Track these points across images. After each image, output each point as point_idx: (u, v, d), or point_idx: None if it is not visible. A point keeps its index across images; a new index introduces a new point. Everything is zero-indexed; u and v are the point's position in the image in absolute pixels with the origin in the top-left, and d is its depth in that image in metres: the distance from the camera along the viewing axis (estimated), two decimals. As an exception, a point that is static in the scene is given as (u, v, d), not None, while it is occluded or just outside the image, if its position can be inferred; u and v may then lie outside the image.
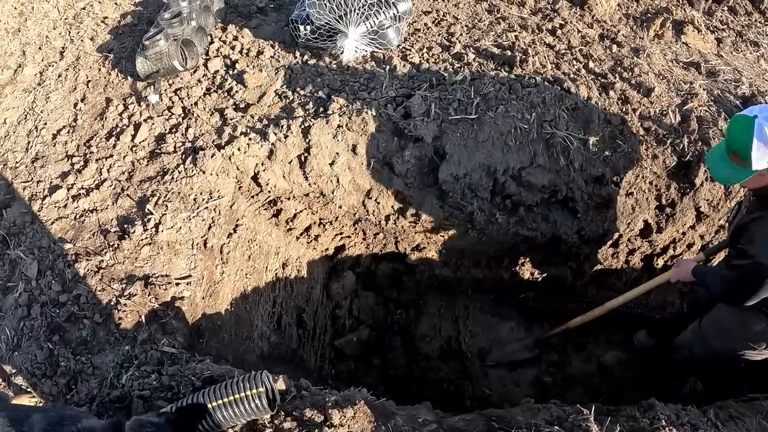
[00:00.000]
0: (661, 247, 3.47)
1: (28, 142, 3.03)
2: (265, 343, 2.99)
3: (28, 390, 2.11)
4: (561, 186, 2.98)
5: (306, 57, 3.41)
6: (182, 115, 3.07)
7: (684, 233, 3.38)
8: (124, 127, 3.02)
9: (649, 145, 2.95)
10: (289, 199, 3.13)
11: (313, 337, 3.57)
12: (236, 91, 3.18)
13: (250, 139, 2.88)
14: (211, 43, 3.52)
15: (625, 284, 3.66)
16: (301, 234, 3.46)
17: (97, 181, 2.77)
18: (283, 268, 3.37)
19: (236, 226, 2.86)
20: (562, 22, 3.77)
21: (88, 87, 3.30)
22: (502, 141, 2.91)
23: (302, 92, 3.13)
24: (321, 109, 3.02)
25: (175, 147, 2.90)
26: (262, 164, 2.90)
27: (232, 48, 3.47)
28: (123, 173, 2.80)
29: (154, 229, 2.54)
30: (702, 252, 3.01)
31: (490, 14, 3.89)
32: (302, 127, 2.92)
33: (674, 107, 3.04)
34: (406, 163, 2.99)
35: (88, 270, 2.39)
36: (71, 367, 2.12)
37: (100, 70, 3.41)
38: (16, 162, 2.94)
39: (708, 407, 2.15)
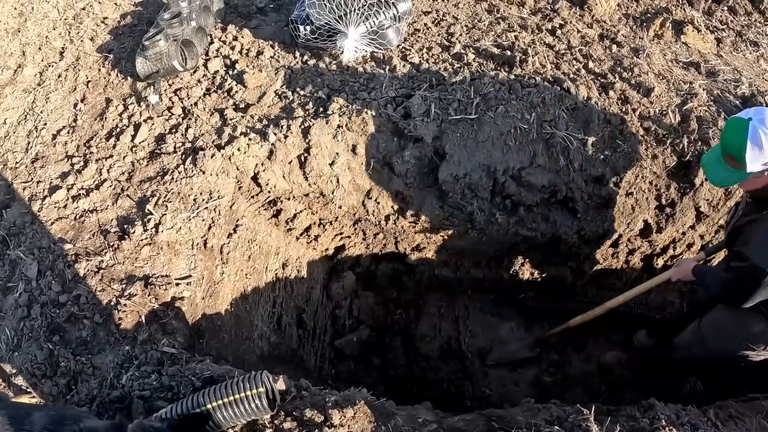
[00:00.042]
0: (661, 247, 3.47)
1: (28, 143, 3.03)
2: (265, 343, 2.99)
3: (28, 390, 2.11)
4: (561, 186, 2.98)
5: (306, 57, 3.41)
6: (182, 115, 3.07)
7: (684, 233, 3.38)
8: (124, 127, 3.02)
9: (649, 145, 2.95)
10: (289, 199, 3.13)
11: (313, 338, 3.57)
12: (236, 92, 3.18)
13: (250, 139, 2.88)
14: (211, 43, 3.52)
15: (625, 284, 3.66)
16: (301, 234, 3.46)
17: (97, 182, 2.77)
18: (283, 269, 3.37)
19: (236, 226, 2.86)
20: (562, 22, 3.77)
21: (87, 87, 3.31)
22: (502, 141, 2.91)
23: (302, 92, 3.13)
24: (321, 109, 3.02)
25: (175, 147, 2.90)
26: (262, 164, 2.90)
27: (232, 48, 3.47)
28: (123, 173, 2.80)
29: (154, 230, 2.54)
30: (702, 251, 3.01)
31: (490, 14, 3.89)
32: (302, 127, 2.92)
33: (674, 107, 3.04)
34: (406, 163, 2.99)
35: (88, 270, 2.39)
36: (71, 368, 2.12)
37: (99, 70, 3.41)
38: (16, 162, 2.94)
39: (708, 407, 2.15)
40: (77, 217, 2.62)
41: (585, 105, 2.97)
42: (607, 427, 1.86)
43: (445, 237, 3.41)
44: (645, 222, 3.26)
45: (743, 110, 2.16)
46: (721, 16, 4.13)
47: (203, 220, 2.64)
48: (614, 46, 3.57)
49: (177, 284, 2.40)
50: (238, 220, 2.89)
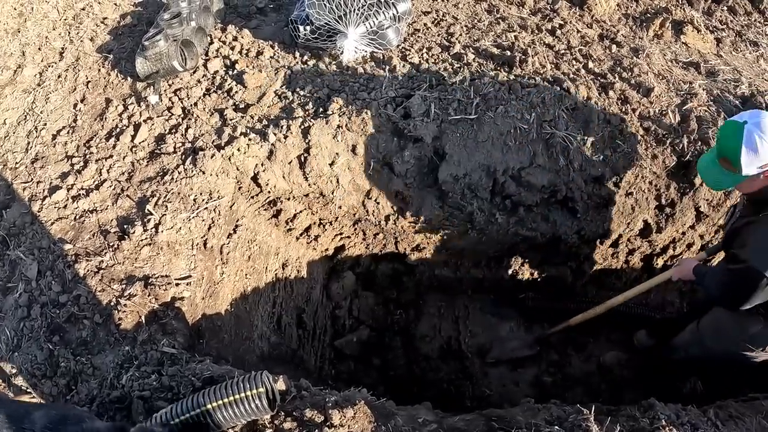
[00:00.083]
0: (661, 246, 3.47)
1: (28, 143, 3.03)
2: (265, 343, 2.99)
3: (28, 390, 2.11)
4: (561, 186, 2.98)
5: (306, 57, 3.41)
6: (182, 115, 3.07)
7: (684, 233, 3.38)
8: (124, 127, 3.02)
9: (649, 145, 2.95)
10: (288, 199, 3.13)
11: (313, 338, 3.57)
12: (236, 92, 3.18)
13: (249, 139, 2.88)
14: (211, 43, 3.52)
15: (625, 284, 3.66)
16: (300, 234, 3.46)
17: (96, 182, 2.77)
18: (283, 269, 3.37)
19: (236, 226, 2.86)
20: (562, 23, 3.77)
21: (87, 87, 3.31)
22: (502, 141, 2.91)
23: (302, 92, 3.13)
24: (321, 109, 3.02)
25: (174, 147, 2.90)
26: (262, 165, 2.90)
27: (232, 48, 3.47)
28: (123, 174, 2.80)
29: (153, 230, 2.54)
30: (704, 251, 3.01)
31: (490, 14, 3.89)
32: (302, 127, 2.92)
33: (674, 107, 3.04)
34: (405, 163, 2.99)
35: (88, 270, 2.39)
36: (71, 368, 2.12)
37: (99, 70, 3.41)
38: (16, 162, 2.94)
39: (708, 407, 2.15)
40: (77, 217, 2.62)
41: (585, 105, 2.97)
42: (607, 427, 1.86)
43: (445, 237, 3.41)
44: (645, 222, 3.26)
45: (739, 113, 2.17)
46: (720, 16, 4.13)
47: (203, 220, 2.64)
48: (614, 46, 3.57)
49: (177, 284, 2.40)
50: (238, 221, 2.89)
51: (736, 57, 3.74)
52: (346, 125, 2.95)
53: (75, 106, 3.20)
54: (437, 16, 3.85)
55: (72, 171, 2.83)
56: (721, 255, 2.96)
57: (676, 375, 3.22)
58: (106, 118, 3.09)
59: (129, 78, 3.31)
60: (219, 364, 2.18)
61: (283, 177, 2.97)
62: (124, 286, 2.34)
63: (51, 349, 2.18)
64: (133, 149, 2.92)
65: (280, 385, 1.88)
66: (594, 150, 2.93)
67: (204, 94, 3.18)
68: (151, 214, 2.59)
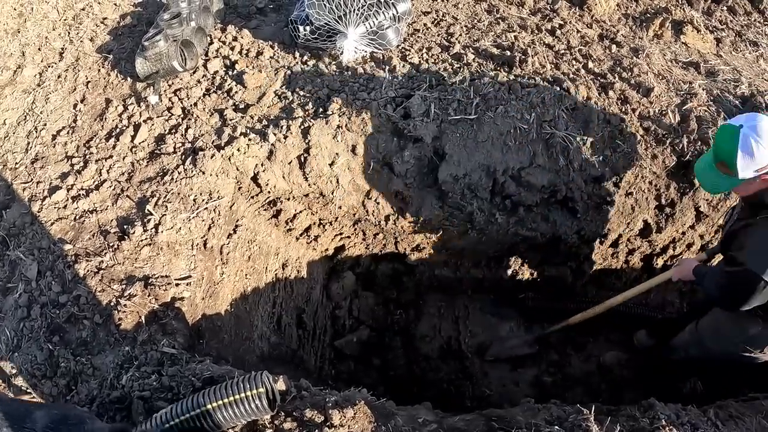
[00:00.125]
0: (661, 246, 3.47)
1: (28, 143, 3.03)
2: (265, 343, 2.99)
3: (28, 391, 2.11)
4: (561, 186, 2.98)
5: (305, 57, 3.41)
6: (182, 115, 3.07)
7: (683, 233, 3.38)
8: (124, 127, 3.02)
9: (649, 145, 2.95)
10: (288, 199, 3.13)
11: (313, 338, 3.57)
12: (236, 92, 3.18)
13: (249, 139, 2.88)
14: (211, 43, 3.52)
15: (625, 284, 3.66)
16: (300, 234, 3.46)
17: (96, 182, 2.77)
18: (283, 269, 3.37)
19: (236, 226, 2.86)
20: (562, 23, 3.77)
21: (87, 88, 3.31)
22: (502, 141, 2.91)
23: (302, 93, 3.13)
24: (320, 109, 3.02)
25: (174, 148, 2.90)
26: (262, 165, 2.90)
27: (232, 49, 3.47)
28: (123, 174, 2.80)
29: (153, 230, 2.54)
30: (704, 252, 3.01)
31: (490, 14, 3.89)
32: (302, 127, 2.92)
33: (673, 107, 3.04)
34: (405, 163, 2.99)
35: (87, 271, 2.39)
36: (71, 368, 2.12)
37: (99, 71, 3.41)
38: (16, 163, 2.94)
39: (708, 407, 2.15)
40: (77, 217, 2.62)
41: (584, 105, 2.97)
42: (607, 427, 1.86)
43: (445, 237, 3.41)
44: (645, 222, 3.26)
45: (735, 117, 2.17)
46: (720, 16, 4.14)
47: (203, 220, 2.64)
48: (614, 46, 3.57)
49: (177, 285, 2.40)
50: (237, 221, 2.89)
51: (736, 57, 3.74)
52: (346, 125, 2.95)
53: (75, 106, 3.20)
54: (437, 16, 3.85)
55: (72, 171, 2.83)
56: (720, 256, 2.96)
57: (676, 375, 3.22)
58: (105, 119, 3.09)
59: (129, 78, 3.31)
60: (219, 364, 2.18)
61: (283, 177, 2.97)
62: (124, 286, 2.34)
63: (51, 349, 2.18)
64: (133, 149, 2.92)
65: (280, 385, 1.88)
66: (594, 150, 2.93)
67: (204, 95, 3.18)
68: (151, 214, 2.59)
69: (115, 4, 3.98)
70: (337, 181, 3.02)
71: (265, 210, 3.17)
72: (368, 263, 3.91)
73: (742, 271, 2.13)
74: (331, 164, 2.98)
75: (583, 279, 3.64)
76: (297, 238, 3.49)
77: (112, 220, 2.60)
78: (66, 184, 2.76)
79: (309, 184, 3.00)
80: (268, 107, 3.09)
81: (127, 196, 2.70)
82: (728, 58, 3.67)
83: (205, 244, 2.60)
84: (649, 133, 2.96)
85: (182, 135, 2.96)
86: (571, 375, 3.54)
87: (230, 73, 3.31)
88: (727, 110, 3.04)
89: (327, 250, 3.72)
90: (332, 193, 3.05)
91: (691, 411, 2.04)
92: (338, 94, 3.09)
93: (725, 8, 4.21)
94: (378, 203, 3.16)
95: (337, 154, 2.97)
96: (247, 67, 3.33)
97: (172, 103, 3.12)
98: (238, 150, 2.84)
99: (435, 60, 3.31)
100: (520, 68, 3.17)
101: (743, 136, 2.01)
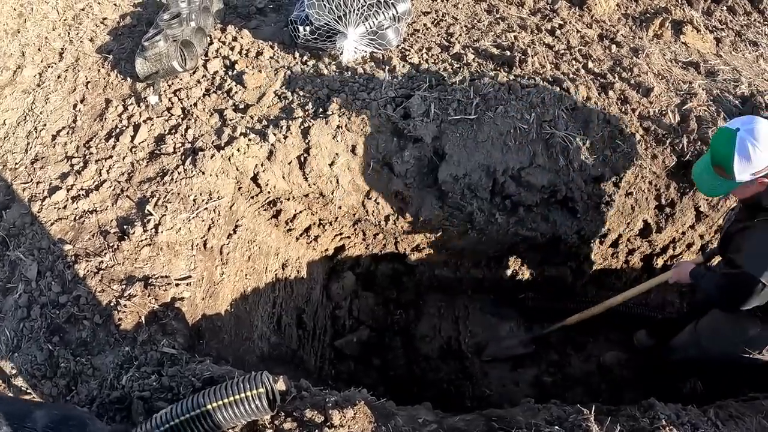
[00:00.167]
0: (661, 246, 3.47)
1: (28, 144, 3.03)
2: (265, 343, 2.99)
3: (28, 391, 2.11)
4: (560, 186, 2.98)
5: (305, 58, 3.41)
6: (181, 115, 3.07)
7: (683, 233, 3.38)
8: (124, 128, 3.02)
9: (649, 145, 2.95)
10: (288, 199, 3.13)
11: (313, 338, 3.57)
12: (236, 92, 3.18)
13: (249, 139, 2.88)
14: (211, 43, 3.52)
15: (624, 284, 3.66)
16: (300, 234, 3.46)
17: (96, 182, 2.77)
18: (283, 269, 3.37)
19: (236, 226, 2.86)
20: (561, 23, 3.77)
21: (87, 88, 3.30)
22: (502, 141, 2.91)
23: (301, 93, 3.13)
24: (320, 109, 3.02)
25: (174, 148, 2.90)
26: (262, 165, 2.90)
27: (232, 49, 3.47)
28: (122, 174, 2.80)
29: (153, 230, 2.54)
30: (702, 254, 3.02)
31: (489, 14, 3.89)
32: (302, 127, 2.92)
33: (673, 107, 3.04)
34: (405, 163, 2.99)
35: (87, 271, 2.39)
36: (71, 368, 2.12)
37: (99, 71, 3.41)
38: (16, 163, 2.94)
39: (708, 407, 2.15)
40: (77, 217, 2.62)
41: (584, 105, 2.97)
42: (607, 427, 1.86)
43: (445, 237, 3.41)
44: (645, 222, 3.26)
45: (732, 120, 2.17)
46: (720, 15, 4.14)
47: (203, 220, 2.64)
48: (613, 46, 3.57)
49: (177, 285, 2.40)
50: (237, 221, 2.89)
51: (736, 57, 3.74)
52: (346, 125, 2.95)
53: (75, 106, 3.20)
54: (437, 16, 3.85)
55: (72, 171, 2.83)
56: (719, 257, 2.96)
57: (676, 375, 3.22)
58: (105, 119, 3.09)
59: (129, 78, 3.31)
60: (219, 364, 2.18)
61: (283, 177, 2.96)
62: (123, 286, 2.34)
63: (51, 349, 2.18)
64: (133, 150, 2.92)
65: (280, 385, 1.88)
66: (594, 150, 2.93)
67: (204, 95, 3.18)
68: (151, 214, 2.59)
69: (115, 5, 3.98)
70: (337, 181, 3.02)
71: (265, 210, 3.17)
72: (368, 263, 3.91)
73: (739, 273, 2.15)
74: (331, 164, 2.98)
75: (583, 279, 3.64)
76: (297, 239, 3.49)
77: (111, 221, 2.60)
78: (66, 185, 2.76)
79: (309, 185, 3.00)
80: (268, 107, 3.09)
81: (127, 196, 2.70)
82: (728, 58, 3.67)
83: (205, 245, 2.60)
84: (649, 133, 2.96)
85: (182, 135, 2.96)
86: (571, 375, 3.54)
87: (230, 73, 3.31)
88: (727, 110, 3.04)
89: (327, 250, 3.72)
90: (332, 194, 3.05)
91: (691, 411, 2.04)
92: (338, 94, 3.09)
93: (725, 8, 4.21)
94: (378, 203, 3.16)
95: (337, 154, 2.97)
96: (246, 67, 3.33)
97: (172, 104, 3.12)
98: (238, 150, 2.84)
99: (435, 60, 3.31)
100: (520, 68, 3.17)
101: (740, 140, 2.01)
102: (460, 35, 3.58)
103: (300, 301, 3.53)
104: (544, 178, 2.95)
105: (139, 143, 2.94)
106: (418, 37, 3.59)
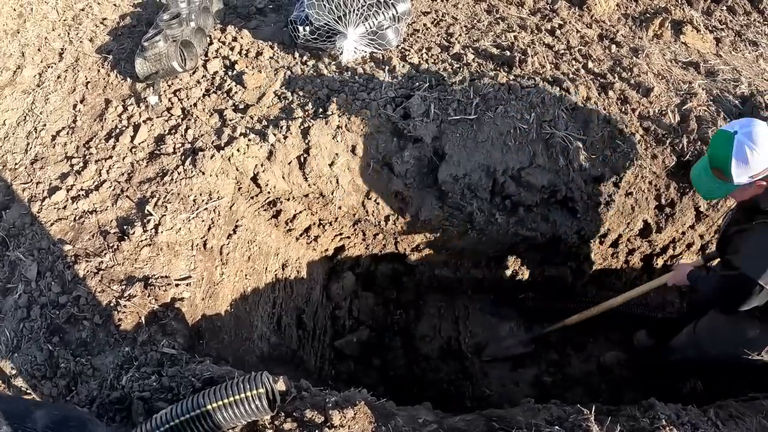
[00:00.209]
0: (661, 246, 3.47)
1: (28, 144, 3.03)
2: (264, 344, 2.99)
3: (28, 391, 2.10)
4: (560, 186, 2.98)
5: (305, 58, 3.41)
6: (181, 116, 3.07)
7: (683, 233, 3.38)
8: (124, 128, 3.02)
9: (649, 145, 2.95)
10: (288, 199, 3.13)
11: (312, 338, 3.57)
12: (235, 92, 3.18)
13: (249, 140, 2.88)
14: (210, 44, 3.52)
15: (624, 284, 3.66)
16: (300, 235, 3.46)
17: (96, 183, 2.77)
18: (283, 269, 3.37)
19: (236, 227, 2.86)
20: (561, 23, 3.77)
21: (87, 88, 3.30)
22: (502, 141, 2.91)
23: (301, 93, 3.13)
24: (320, 109, 3.02)
25: (174, 148, 2.90)
26: (262, 165, 2.90)
27: (231, 49, 3.47)
28: (122, 174, 2.80)
29: (153, 230, 2.54)
30: (701, 256, 3.02)
31: (489, 14, 3.89)
32: (302, 127, 2.92)
33: (673, 107, 3.04)
34: (405, 163, 2.99)
35: (87, 271, 2.39)
36: (71, 369, 2.12)
37: (99, 71, 3.41)
38: (16, 163, 2.94)
39: (708, 407, 2.15)
40: (77, 218, 2.62)
41: (584, 105, 2.97)
42: (607, 427, 1.86)
43: (445, 237, 3.41)
44: (645, 222, 3.26)
45: (730, 122, 2.17)
46: (720, 15, 4.14)
47: (203, 220, 2.64)
48: (613, 46, 3.57)
49: (177, 285, 2.40)
50: (237, 221, 2.89)
51: (736, 57, 3.74)
52: (346, 125, 2.95)
53: (74, 106, 3.20)
54: (437, 16, 3.85)
55: (71, 172, 2.83)
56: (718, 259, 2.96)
57: (675, 376, 3.22)
58: (105, 119, 3.09)
59: (128, 79, 3.31)
60: (219, 364, 2.18)
61: (283, 177, 2.96)
62: (123, 286, 2.34)
63: (51, 350, 2.18)
64: (133, 150, 2.91)
65: (280, 385, 1.88)
66: (594, 150, 2.93)
67: (203, 95, 3.18)
68: (151, 214, 2.59)
69: (115, 5, 3.98)
70: (337, 182, 3.02)
71: (264, 210, 3.17)
72: (368, 263, 3.91)
73: (737, 275, 2.15)
74: (331, 164, 2.98)
75: (583, 279, 3.64)
76: (297, 239, 3.48)
77: (111, 221, 2.60)
78: (66, 185, 2.76)
79: (309, 185, 3.00)
80: (268, 107, 3.09)
81: (127, 196, 2.70)
82: (728, 58, 3.67)
83: (204, 245, 2.60)
84: (649, 133, 2.96)
85: (182, 135, 2.96)
86: (571, 375, 3.54)
87: (230, 73, 3.31)
88: (727, 110, 3.04)
89: (327, 250, 3.72)
90: (332, 194, 3.05)
91: (691, 411, 2.04)
92: (338, 94, 3.09)
93: (725, 8, 4.21)
94: (378, 203, 3.16)
95: (336, 154, 2.97)
96: (246, 67, 3.33)
97: (172, 104, 3.12)
98: (238, 150, 2.84)
99: (435, 60, 3.31)
100: (520, 68, 3.17)
101: (738, 143, 2.01)
102: (460, 35, 3.58)
103: (300, 301, 3.53)
104: (544, 178, 2.95)
105: (139, 143, 2.94)
106: (417, 37, 3.59)
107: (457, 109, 2.95)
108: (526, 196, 3.01)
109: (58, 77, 3.39)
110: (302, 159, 2.94)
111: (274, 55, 3.45)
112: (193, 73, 3.30)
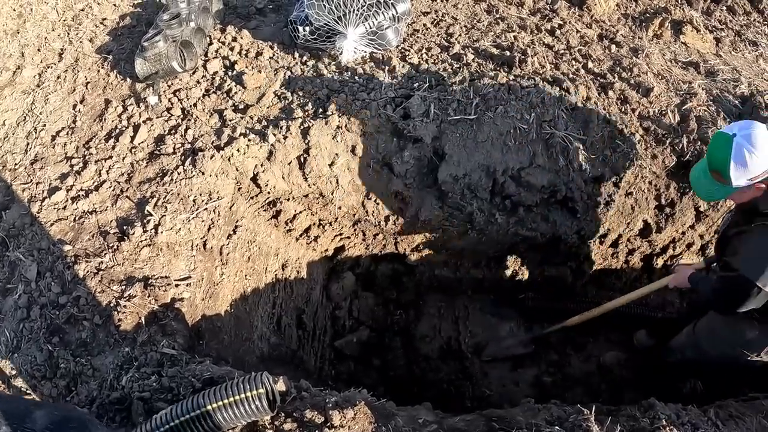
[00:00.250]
0: (661, 246, 3.47)
1: (27, 144, 3.03)
2: (264, 344, 2.99)
3: (28, 392, 2.10)
4: (560, 186, 2.98)
5: (305, 58, 3.41)
6: (181, 116, 3.07)
7: (683, 233, 3.38)
8: (123, 128, 3.02)
9: (649, 145, 2.95)
10: (288, 200, 3.12)
11: (312, 338, 3.57)
12: (235, 92, 3.18)
13: (249, 140, 2.87)
14: (210, 44, 3.52)
15: (625, 284, 3.66)
16: (300, 235, 3.46)
17: (96, 183, 2.77)
18: (283, 269, 3.36)
19: (236, 227, 2.86)
20: (561, 23, 3.77)
21: (87, 88, 3.30)
22: (502, 141, 2.91)
23: (301, 93, 3.13)
24: (320, 109, 3.02)
25: (174, 148, 2.90)
26: (262, 165, 2.90)
27: (231, 49, 3.47)
28: (122, 175, 2.80)
29: (153, 231, 2.54)
30: (702, 259, 3.02)
31: (489, 15, 3.89)
32: (301, 128, 2.92)
33: (673, 107, 3.04)
34: (405, 163, 2.99)
35: (87, 271, 2.39)
36: (71, 369, 2.12)
37: (99, 71, 3.41)
38: (15, 164, 2.94)
39: (708, 407, 2.15)
40: (77, 218, 2.62)
41: (584, 105, 2.97)
42: (607, 427, 1.86)
43: (445, 237, 3.41)
44: (645, 222, 3.26)
45: (729, 125, 2.17)
46: (720, 15, 4.14)
47: (203, 221, 2.64)
48: (613, 46, 3.57)
49: (177, 285, 2.40)
50: (237, 221, 2.89)
51: (736, 57, 3.74)
52: (346, 126, 2.95)
53: (74, 107, 3.19)
54: (436, 16, 3.85)
55: (71, 172, 2.83)
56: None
57: (675, 376, 3.22)
58: (105, 119, 3.09)
59: (128, 79, 3.31)
60: (219, 365, 2.18)
61: (283, 178, 2.96)
62: (123, 287, 2.34)
63: (51, 350, 2.18)
64: (133, 150, 2.91)
65: (280, 385, 1.88)
66: (594, 150, 2.93)
67: (203, 95, 3.18)
68: (151, 215, 2.59)
69: (115, 5, 3.98)
70: (337, 182, 3.02)
71: (264, 210, 3.17)
72: (368, 264, 3.91)
73: (735, 277, 2.16)
74: (331, 165, 2.97)
75: (583, 279, 3.64)
76: (297, 239, 3.48)
77: (111, 221, 2.60)
78: (65, 185, 2.76)
79: (309, 185, 3.00)
80: (268, 108, 3.09)
81: (127, 196, 2.70)
82: (728, 58, 3.67)
83: (204, 245, 2.60)
84: (648, 133, 2.96)
85: (182, 135, 2.96)
86: (571, 375, 3.54)
87: (230, 73, 3.31)
88: (727, 110, 3.04)
89: (327, 250, 3.72)
90: (332, 194, 3.05)
91: (691, 411, 2.04)
92: (338, 94, 3.09)
93: (725, 8, 4.21)
94: (378, 203, 3.16)
95: (336, 154, 2.97)
96: (246, 67, 3.33)
97: (172, 104, 3.12)
98: (238, 150, 2.84)
99: (435, 60, 3.31)
100: (520, 68, 3.17)
101: (736, 146, 2.01)
102: (460, 35, 3.58)
103: (300, 301, 3.53)
104: (544, 178, 2.95)
105: (139, 144, 2.94)
106: (417, 37, 3.59)
107: (457, 109, 2.95)
108: (526, 196, 3.01)
109: (58, 77, 3.39)
110: (302, 159, 2.94)
111: (273, 55, 3.45)
112: (193, 73, 3.30)
